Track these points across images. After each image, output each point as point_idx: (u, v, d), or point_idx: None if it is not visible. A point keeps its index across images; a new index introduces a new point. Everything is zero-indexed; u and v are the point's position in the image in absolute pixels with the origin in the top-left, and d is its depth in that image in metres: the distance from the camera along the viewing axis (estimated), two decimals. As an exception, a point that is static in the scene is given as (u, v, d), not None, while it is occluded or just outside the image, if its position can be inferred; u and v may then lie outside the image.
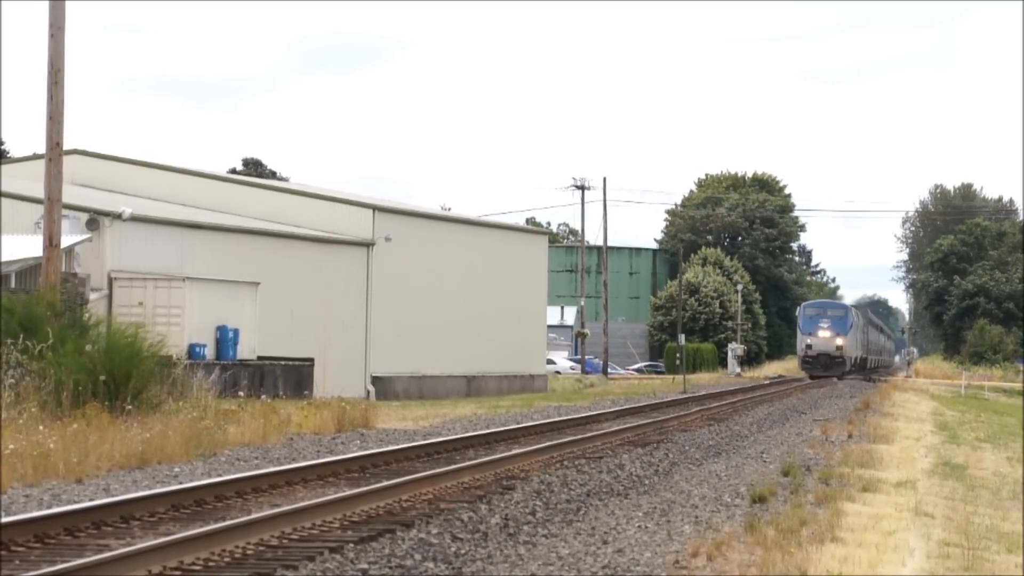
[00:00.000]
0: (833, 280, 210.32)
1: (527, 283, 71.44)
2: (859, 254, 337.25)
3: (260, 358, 48.64)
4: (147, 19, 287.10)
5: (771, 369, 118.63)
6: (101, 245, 46.27)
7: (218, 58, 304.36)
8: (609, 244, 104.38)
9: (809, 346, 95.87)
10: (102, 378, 28.12)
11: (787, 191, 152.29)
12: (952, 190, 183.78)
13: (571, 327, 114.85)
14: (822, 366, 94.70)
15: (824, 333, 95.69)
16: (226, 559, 13.79)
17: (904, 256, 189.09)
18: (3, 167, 58.07)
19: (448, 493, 19.46)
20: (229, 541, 14.22)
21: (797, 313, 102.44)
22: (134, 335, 29.97)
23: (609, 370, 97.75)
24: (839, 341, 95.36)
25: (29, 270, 42.75)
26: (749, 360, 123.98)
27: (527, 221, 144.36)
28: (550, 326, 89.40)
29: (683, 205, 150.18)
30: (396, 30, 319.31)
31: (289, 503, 17.60)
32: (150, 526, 16.02)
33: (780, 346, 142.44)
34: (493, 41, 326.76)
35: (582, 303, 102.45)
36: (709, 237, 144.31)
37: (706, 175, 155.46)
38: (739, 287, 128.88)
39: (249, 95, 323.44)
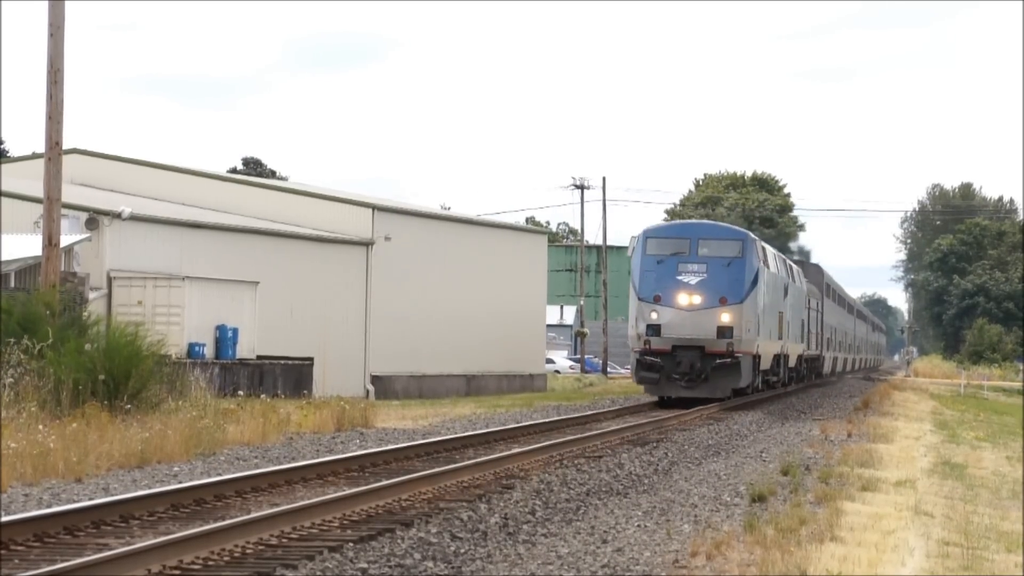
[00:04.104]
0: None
1: (527, 282, 71.41)
2: (859, 254, 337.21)
3: (260, 357, 48.62)
4: (142, 17, 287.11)
5: None
6: (100, 245, 46.24)
7: (214, 57, 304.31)
8: (609, 243, 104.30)
9: (652, 329, 44.92)
10: (101, 377, 28.11)
11: (786, 191, 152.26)
12: (951, 190, 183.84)
13: (571, 326, 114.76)
14: (683, 373, 44.76)
15: (689, 298, 45.24)
16: (225, 558, 13.79)
17: (903, 256, 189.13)
18: (3, 167, 58.05)
19: (447, 492, 19.45)
20: (229, 540, 14.21)
21: (630, 253, 47.88)
22: (134, 334, 29.97)
23: (609, 369, 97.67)
24: (725, 317, 45.07)
25: (28, 270, 42.74)
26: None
27: (527, 221, 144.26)
28: (550, 325, 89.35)
29: (682, 204, 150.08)
30: (391, 29, 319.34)
31: (288, 502, 17.60)
32: (150, 525, 16.02)
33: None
34: (491, 40, 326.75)
35: (581, 302, 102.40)
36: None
37: (705, 175, 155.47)
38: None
39: (246, 94, 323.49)
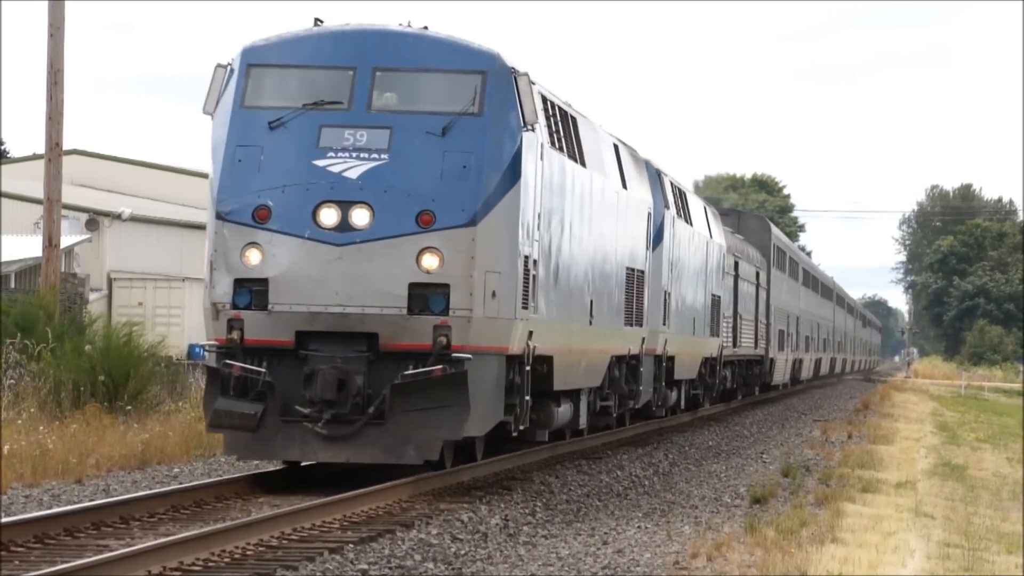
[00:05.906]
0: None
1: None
2: (859, 255, 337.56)
3: (260, 358, 48.59)
4: (140, 18, 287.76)
5: None
6: (100, 245, 46.28)
7: (213, 58, 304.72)
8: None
9: (248, 290, 17.83)
10: (101, 378, 28.09)
11: (786, 191, 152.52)
12: (951, 191, 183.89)
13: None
14: (322, 402, 17.46)
15: (341, 213, 17.78)
16: (226, 559, 13.78)
17: (902, 257, 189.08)
18: (3, 167, 58.05)
19: (448, 493, 19.44)
20: (229, 541, 14.21)
21: (211, 108, 18.46)
22: (129, 334, 29.92)
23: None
24: (430, 259, 17.68)
25: (28, 270, 42.77)
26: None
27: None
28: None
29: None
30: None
31: (289, 503, 17.59)
32: (150, 526, 16.01)
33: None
34: (490, 41, 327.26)
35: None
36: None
37: (704, 176, 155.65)
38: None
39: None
